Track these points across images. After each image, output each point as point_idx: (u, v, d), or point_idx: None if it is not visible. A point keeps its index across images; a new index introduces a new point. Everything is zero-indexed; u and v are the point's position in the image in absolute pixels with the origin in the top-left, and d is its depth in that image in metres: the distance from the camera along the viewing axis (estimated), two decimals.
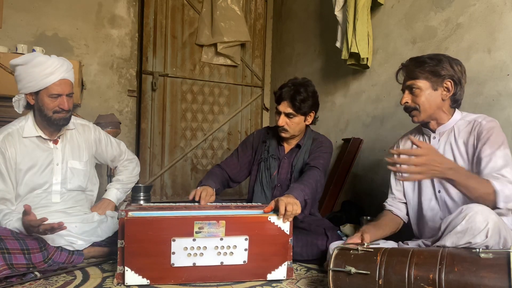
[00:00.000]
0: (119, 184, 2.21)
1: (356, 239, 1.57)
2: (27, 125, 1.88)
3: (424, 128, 1.72)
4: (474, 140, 1.55)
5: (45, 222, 1.57)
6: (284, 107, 2.03)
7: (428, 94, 1.60)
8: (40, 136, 1.90)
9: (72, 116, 2.04)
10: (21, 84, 1.82)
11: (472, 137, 1.56)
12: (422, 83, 1.60)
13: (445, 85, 1.59)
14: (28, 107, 1.90)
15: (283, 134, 2.09)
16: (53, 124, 1.87)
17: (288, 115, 2.03)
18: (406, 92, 1.65)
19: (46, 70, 1.77)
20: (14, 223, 1.68)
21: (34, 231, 1.62)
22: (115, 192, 2.18)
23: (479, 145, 1.52)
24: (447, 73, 1.58)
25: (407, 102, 1.64)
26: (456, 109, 1.66)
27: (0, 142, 1.81)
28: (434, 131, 1.68)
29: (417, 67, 1.60)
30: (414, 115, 1.65)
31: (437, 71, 1.58)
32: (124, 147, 2.25)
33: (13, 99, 1.90)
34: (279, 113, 2.06)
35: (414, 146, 1.69)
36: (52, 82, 1.79)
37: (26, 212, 1.59)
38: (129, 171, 2.25)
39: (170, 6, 3.72)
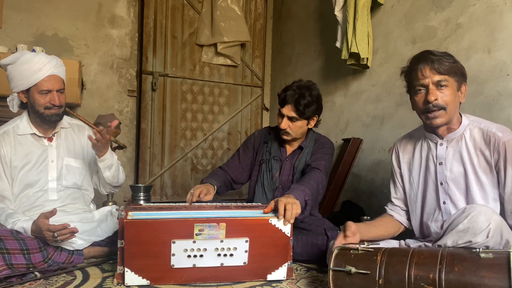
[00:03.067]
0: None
1: (340, 238, 1.49)
2: (22, 123, 1.91)
3: (429, 133, 1.59)
4: (491, 153, 1.44)
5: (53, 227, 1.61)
6: (288, 111, 2.01)
7: (454, 93, 1.45)
8: (34, 134, 1.91)
9: (68, 117, 2.05)
10: (12, 83, 1.84)
11: (488, 150, 1.44)
12: (452, 81, 1.45)
13: (462, 88, 1.49)
14: (23, 106, 1.93)
15: (285, 137, 2.09)
16: (46, 121, 1.89)
17: (291, 118, 2.02)
18: (433, 87, 1.44)
19: (33, 66, 1.79)
20: (22, 223, 1.68)
21: (46, 236, 1.63)
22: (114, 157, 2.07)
23: (501, 164, 1.41)
24: (465, 75, 1.48)
25: (436, 99, 1.43)
26: (461, 113, 1.55)
27: None
28: (442, 138, 1.55)
29: (449, 62, 1.43)
30: (438, 116, 1.46)
31: (462, 70, 1.46)
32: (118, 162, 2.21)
33: (8, 99, 1.92)
34: (282, 115, 2.04)
35: (417, 152, 1.64)
36: (41, 78, 1.81)
37: (46, 215, 1.62)
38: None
39: (170, 6, 3.72)
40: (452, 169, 1.52)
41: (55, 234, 1.63)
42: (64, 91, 1.91)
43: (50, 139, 1.96)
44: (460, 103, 1.51)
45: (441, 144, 1.55)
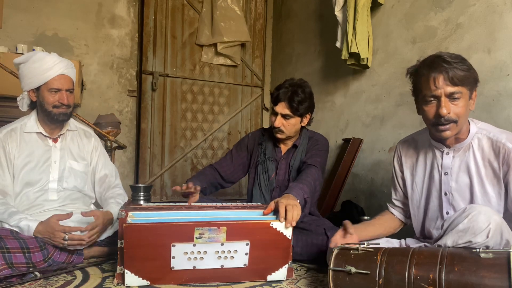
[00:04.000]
0: (120, 199, 2.03)
1: (339, 235, 1.53)
2: (30, 122, 1.93)
3: (435, 141, 1.52)
4: (500, 165, 1.38)
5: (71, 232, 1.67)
6: (281, 108, 2.02)
7: (466, 104, 1.38)
8: (40, 133, 1.93)
9: (76, 121, 2.08)
10: (23, 82, 1.88)
11: (497, 162, 1.39)
12: (465, 91, 1.36)
13: (473, 94, 1.41)
14: (32, 106, 1.95)
15: (279, 135, 2.09)
16: (53, 120, 1.90)
17: (285, 116, 2.03)
18: (445, 99, 1.36)
19: (45, 65, 1.83)
20: (28, 221, 1.69)
21: (56, 237, 1.65)
22: (116, 209, 1.97)
23: (511, 176, 1.37)
24: (478, 79, 1.38)
25: (449, 113, 1.36)
26: (470, 120, 1.47)
27: (3, 137, 1.87)
28: (448, 147, 1.49)
29: (463, 70, 1.33)
30: (448, 129, 1.38)
31: (475, 76, 1.37)
32: (118, 174, 2.16)
33: (18, 98, 1.95)
34: (275, 114, 2.05)
35: (420, 157, 1.60)
36: (51, 77, 1.84)
37: (60, 218, 1.67)
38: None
39: (170, 6, 3.72)
40: (457, 180, 1.48)
41: (67, 237, 1.66)
42: (73, 92, 1.94)
43: (55, 140, 1.97)
44: (470, 110, 1.43)
45: (447, 154, 1.49)
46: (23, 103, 1.94)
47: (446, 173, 1.50)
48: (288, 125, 2.05)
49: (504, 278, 1.08)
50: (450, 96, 1.35)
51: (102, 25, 3.60)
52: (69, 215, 1.69)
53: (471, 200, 1.46)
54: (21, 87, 1.91)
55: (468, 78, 1.36)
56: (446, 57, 1.36)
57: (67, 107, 1.89)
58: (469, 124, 1.47)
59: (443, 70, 1.34)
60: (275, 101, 2.05)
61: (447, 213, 1.51)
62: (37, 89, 1.87)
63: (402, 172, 1.68)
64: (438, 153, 1.53)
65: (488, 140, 1.42)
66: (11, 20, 3.22)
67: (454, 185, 1.49)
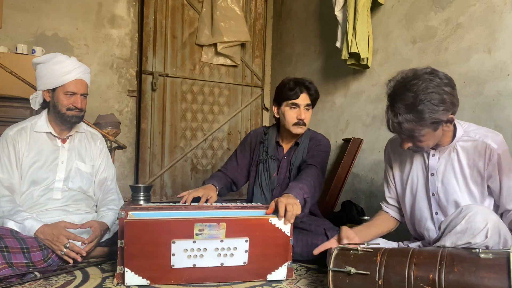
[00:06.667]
0: (112, 205, 2.04)
1: (333, 241, 1.55)
2: (40, 121, 1.96)
3: None
4: (485, 165, 1.42)
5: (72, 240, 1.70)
6: (304, 99, 2.06)
7: (435, 136, 1.43)
8: (50, 133, 1.96)
9: (84, 124, 2.12)
10: (40, 82, 1.92)
11: (482, 162, 1.42)
12: (428, 130, 1.41)
13: (443, 126, 1.42)
14: (44, 105, 1.98)
15: (300, 130, 2.09)
16: (65, 121, 1.93)
17: (306, 107, 2.08)
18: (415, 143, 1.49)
19: (64, 68, 1.88)
20: (33, 221, 1.70)
21: (60, 241, 1.67)
22: (112, 218, 1.99)
23: (496, 175, 1.41)
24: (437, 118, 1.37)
25: (422, 147, 1.50)
26: (456, 123, 1.48)
27: (13, 135, 1.89)
28: (434, 149, 1.53)
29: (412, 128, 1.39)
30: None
31: (432, 119, 1.36)
32: (115, 176, 2.18)
33: (31, 96, 1.98)
34: (296, 106, 2.06)
35: (408, 157, 1.61)
36: (69, 80, 1.89)
37: (67, 226, 1.72)
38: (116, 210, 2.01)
39: (170, 6, 3.72)
40: (443, 181, 1.51)
41: (68, 245, 1.68)
42: (86, 96, 1.99)
43: (63, 141, 1.99)
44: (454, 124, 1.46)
45: (433, 155, 1.53)
46: (35, 101, 1.97)
47: (432, 174, 1.53)
48: (309, 117, 2.11)
49: (504, 279, 1.08)
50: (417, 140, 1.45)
51: (102, 25, 3.60)
52: (77, 226, 1.74)
53: (457, 200, 1.48)
54: (37, 86, 1.94)
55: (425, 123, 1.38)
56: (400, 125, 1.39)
57: (80, 110, 1.93)
58: (455, 127, 1.48)
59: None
60: (294, 95, 2.06)
61: (436, 213, 1.54)
62: (53, 90, 1.90)
63: (392, 169, 1.71)
64: (424, 154, 1.56)
65: (473, 142, 1.45)
66: (11, 20, 3.22)
67: (440, 185, 1.52)
